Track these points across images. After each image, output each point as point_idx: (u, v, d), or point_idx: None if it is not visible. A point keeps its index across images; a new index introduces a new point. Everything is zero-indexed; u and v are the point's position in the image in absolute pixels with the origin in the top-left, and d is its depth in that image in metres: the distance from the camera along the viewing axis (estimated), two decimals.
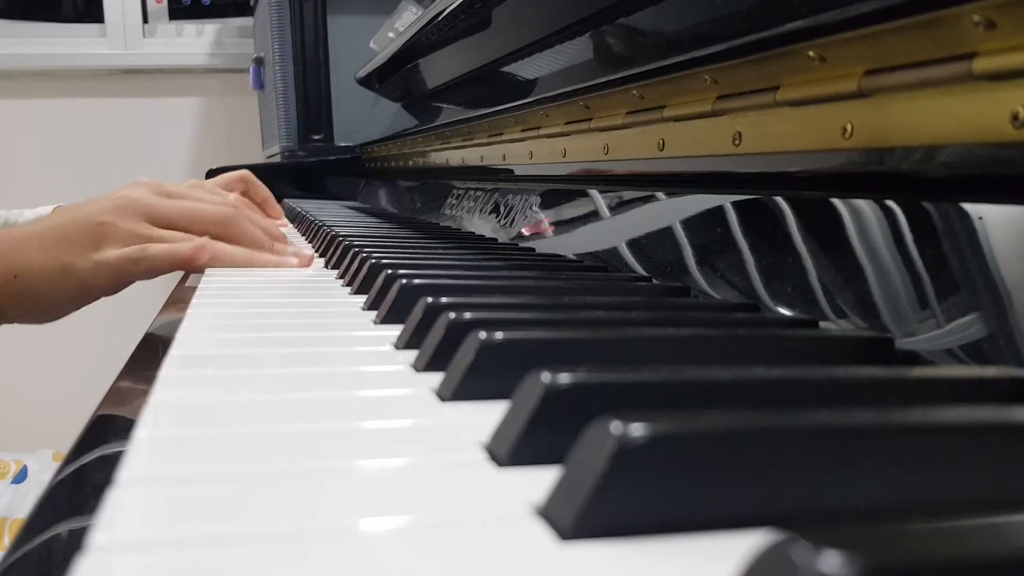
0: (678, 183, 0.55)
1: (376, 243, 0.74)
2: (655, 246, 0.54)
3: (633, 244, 0.56)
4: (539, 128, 0.77)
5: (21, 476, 1.81)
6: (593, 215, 0.63)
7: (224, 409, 0.29)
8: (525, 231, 0.74)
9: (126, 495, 0.21)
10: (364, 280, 0.55)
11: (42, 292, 0.66)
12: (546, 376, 0.24)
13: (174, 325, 0.43)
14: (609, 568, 0.18)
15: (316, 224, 0.99)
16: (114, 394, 0.35)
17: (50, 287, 0.65)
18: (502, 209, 0.83)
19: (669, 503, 0.19)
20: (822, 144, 0.40)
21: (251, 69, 1.94)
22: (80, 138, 2.22)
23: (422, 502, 0.21)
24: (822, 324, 0.38)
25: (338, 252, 0.71)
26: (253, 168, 1.15)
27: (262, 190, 1.09)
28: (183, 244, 0.66)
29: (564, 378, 0.24)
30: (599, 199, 0.63)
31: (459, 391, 0.30)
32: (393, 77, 1.38)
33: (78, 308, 0.69)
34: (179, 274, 0.72)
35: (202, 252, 0.66)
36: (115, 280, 0.65)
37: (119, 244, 0.65)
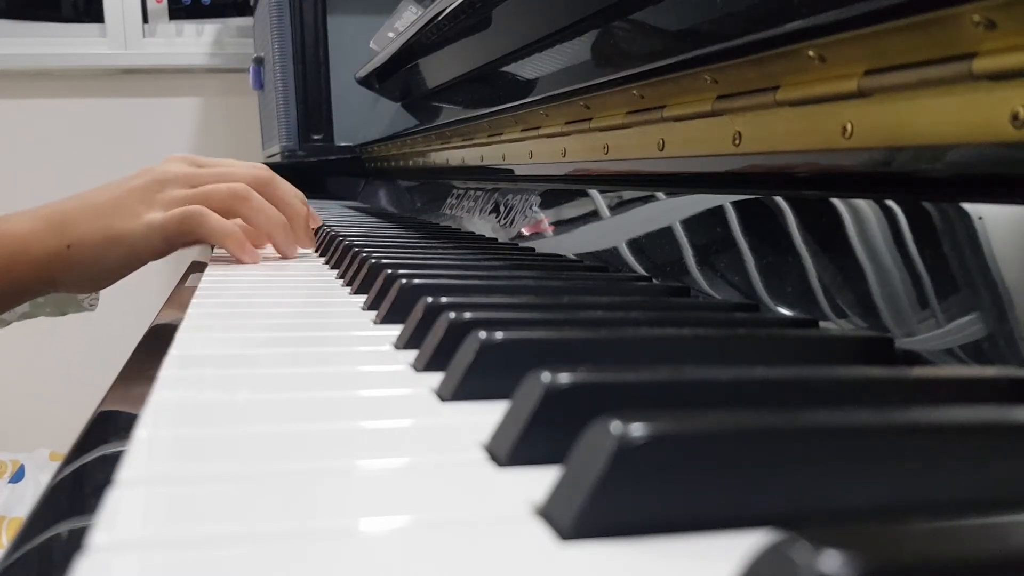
0: (678, 183, 0.55)
1: (376, 243, 0.74)
2: (655, 246, 0.54)
3: (633, 244, 0.56)
4: (539, 128, 0.77)
5: (18, 475, 1.82)
6: (593, 215, 0.63)
7: (224, 409, 0.29)
8: (525, 231, 0.74)
9: (126, 495, 0.21)
10: (364, 280, 0.55)
11: (94, 260, 0.70)
12: (546, 376, 0.24)
13: (174, 325, 0.43)
14: (609, 568, 0.18)
15: None
16: (114, 394, 0.35)
17: (103, 254, 0.69)
18: (502, 209, 0.82)
19: (669, 503, 0.19)
20: (822, 144, 0.40)
21: (251, 69, 1.94)
22: (80, 138, 2.21)
23: (422, 502, 0.21)
24: (822, 324, 0.38)
25: (338, 252, 0.71)
26: None
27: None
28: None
29: (564, 378, 0.24)
30: (599, 199, 0.63)
31: (459, 391, 0.30)
32: (393, 77, 1.38)
33: (125, 275, 0.73)
34: (178, 273, 0.73)
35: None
36: (165, 240, 0.69)
37: (164, 208, 0.70)
